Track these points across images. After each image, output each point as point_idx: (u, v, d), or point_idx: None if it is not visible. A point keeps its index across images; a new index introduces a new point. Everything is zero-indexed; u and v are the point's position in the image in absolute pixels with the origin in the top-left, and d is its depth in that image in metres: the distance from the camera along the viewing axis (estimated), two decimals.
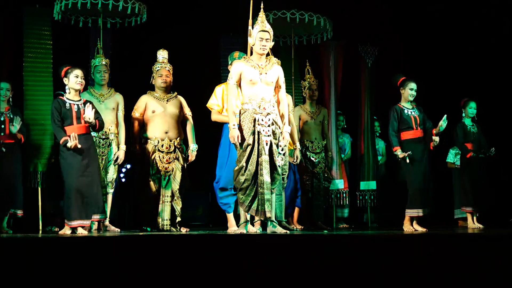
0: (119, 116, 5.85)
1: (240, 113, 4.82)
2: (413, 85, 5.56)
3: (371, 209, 7.25)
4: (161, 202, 5.52)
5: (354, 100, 7.53)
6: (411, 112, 5.53)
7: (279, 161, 4.78)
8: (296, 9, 6.53)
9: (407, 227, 5.38)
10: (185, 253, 3.52)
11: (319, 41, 7.12)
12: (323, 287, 3.22)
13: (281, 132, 4.84)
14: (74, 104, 5.14)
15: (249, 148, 4.72)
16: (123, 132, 5.81)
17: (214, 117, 5.53)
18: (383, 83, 6.35)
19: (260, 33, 4.80)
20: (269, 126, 4.75)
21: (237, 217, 5.49)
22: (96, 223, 5.60)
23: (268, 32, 4.83)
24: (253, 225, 5.00)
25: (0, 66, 6.18)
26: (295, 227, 6.21)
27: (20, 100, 6.15)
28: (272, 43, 4.88)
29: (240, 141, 4.75)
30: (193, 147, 5.71)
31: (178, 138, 5.64)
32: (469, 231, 5.38)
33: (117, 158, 5.74)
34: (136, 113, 5.67)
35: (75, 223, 5.00)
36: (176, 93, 5.79)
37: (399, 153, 5.44)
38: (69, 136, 4.99)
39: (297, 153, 5.79)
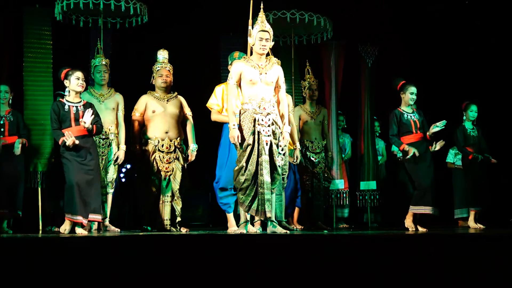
0: (119, 116, 5.85)
1: (240, 113, 4.82)
2: (413, 89, 5.54)
3: (371, 209, 7.25)
4: (161, 202, 5.52)
5: (354, 100, 7.53)
6: (411, 116, 5.53)
7: (279, 161, 4.78)
8: (296, 9, 6.53)
9: (409, 223, 5.38)
10: (185, 253, 3.51)
11: (319, 41, 7.12)
12: (323, 287, 3.22)
13: (281, 132, 4.84)
14: (73, 107, 5.15)
15: (249, 148, 4.72)
16: (123, 132, 5.81)
17: (214, 117, 5.53)
18: (383, 83, 6.35)
19: (260, 33, 4.80)
20: (269, 126, 4.75)
21: (237, 217, 5.49)
22: (96, 223, 5.60)
23: (268, 32, 4.83)
24: (253, 225, 5.00)
25: (0, 66, 6.18)
26: (295, 227, 6.21)
27: (20, 100, 6.15)
28: (272, 43, 4.88)
29: (240, 141, 4.75)
30: (193, 147, 5.70)
31: (178, 138, 5.63)
32: (471, 231, 5.39)
33: (117, 158, 5.73)
34: (136, 113, 5.67)
35: (79, 218, 5.01)
36: (176, 93, 5.79)
37: (407, 148, 5.41)
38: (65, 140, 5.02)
39: (297, 153, 5.79)
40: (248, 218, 5.09)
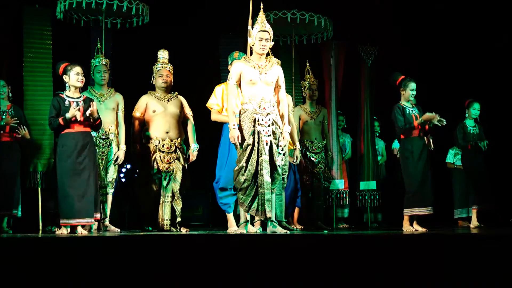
0: (119, 116, 5.85)
1: (240, 113, 4.82)
2: (413, 85, 5.54)
3: (371, 209, 7.25)
4: (161, 202, 5.52)
5: (354, 100, 7.53)
6: (411, 110, 5.52)
7: (279, 161, 4.78)
8: (296, 9, 6.53)
9: (407, 227, 5.37)
10: (185, 253, 3.51)
11: (319, 41, 7.12)
12: (323, 287, 3.22)
13: (281, 132, 4.83)
14: (74, 102, 5.12)
15: (249, 148, 4.72)
16: (123, 132, 5.81)
17: (214, 117, 5.53)
18: (383, 83, 6.35)
19: (260, 33, 4.80)
20: (269, 126, 4.75)
21: (237, 217, 5.49)
22: (96, 223, 5.61)
23: (268, 32, 4.83)
24: (253, 225, 5.00)
25: (0, 66, 6.18)
26: (295, 227, 6.21)
27: (20, 100, 6.16)
28: (272, 43, 4.88)
29: (240, 141, 4.75)
30: (194, 147, 5.70)
31: (179, 138, 5.63)
32: (472, 230, 5.39)
33: (117, 158, 5.74)
34: (137, 113, 5.67)
35: (73, 221, 4.98)
36: (176, 93, 5.79)
37: (427, 116, 5.31)
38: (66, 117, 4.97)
39: (297, 153, 5.79)
40: (248, 218, 5.09)
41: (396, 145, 7.57)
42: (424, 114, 5.38)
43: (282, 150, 4.82)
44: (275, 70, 4.88)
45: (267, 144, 4.72)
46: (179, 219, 5.57)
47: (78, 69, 5.16)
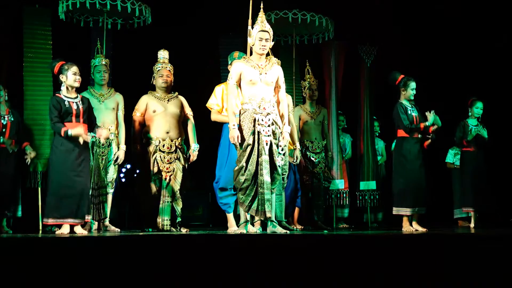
0: (119, 116, 5.85)
1: (240, 113, 4.82)
2: (414, 85, 5.54)
3: (371, 209, 7.25)
4: (161, 202, 5.51)
5: (354, 100, 7.53)
6: (412, 111, 5.52)
7: (279, 161, 4.78)
8: (298, 9, 6.53)
9: (407, 227, 5.37)
10: (185, 253, 3.51)
11: (320, 41, 7.12)
12: (323, 287, 3.22)
13: (281, 132, 4.83)
14: (73, 103, 5.10)
15: (249, 148, 4.72)
16: (123, 132, 5.81)
17: (214, 117, 5.53)
18: (383, 83, 6.36)
19: (260, 33, 4.80)
20: (269, 126, 4.75)
21: (237, 217, 5.49)
22: (96, 223, 5.61)
23: (268, 32, 4.82)
24: (253, 225, 5.00)
25: (0, 66, 6.19)
26: (295, 227, 6.21)
27: (20, 100, 6.15)
28: (272, 43, 4.87)
29: (240, 141, 4.75)
30: (194, 147, 5.70)
31: (179, 138, 5.63)
32: (472, 231, 5.39)
33: (117, 158, 5.74)
34: (137, 113, 5.67)
35: (60, 221, 4.96)
36: (177, 93, 5.79)
37: (427, 123, 5.36)
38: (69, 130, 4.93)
39: (297, 153, 5.79)
40: (248, 218, 5.08)
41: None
42: (432, 117, 5.38)
43: (282, 150, 4.82)
44: (275, 70, 4.88)
45: (267, 144, 4.72)
46: (179, 219, 5.57)
47: (75, 68, 5.12)
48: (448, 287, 3.14)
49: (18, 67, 6.23)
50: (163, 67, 5.70)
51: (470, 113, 6.34)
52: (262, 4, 4.93)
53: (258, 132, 4.73)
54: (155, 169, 5.51)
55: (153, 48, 5.86)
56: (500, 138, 7.00)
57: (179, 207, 5.56)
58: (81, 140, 4.97)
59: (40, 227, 5.92)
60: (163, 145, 5.54)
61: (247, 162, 4.71)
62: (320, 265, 3.31)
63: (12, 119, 5.77)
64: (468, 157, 6.30)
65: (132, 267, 3.33)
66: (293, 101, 6.22)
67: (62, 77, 5.13)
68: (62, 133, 4.94)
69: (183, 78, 6.18)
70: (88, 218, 5.19)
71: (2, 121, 5.70)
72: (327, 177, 6.59)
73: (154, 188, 5.54)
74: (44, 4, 6.35)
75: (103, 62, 5.88)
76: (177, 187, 5.54)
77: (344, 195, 7.06)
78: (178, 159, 5.57)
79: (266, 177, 4.68)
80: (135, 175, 7.66)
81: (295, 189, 6.28)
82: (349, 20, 7.27)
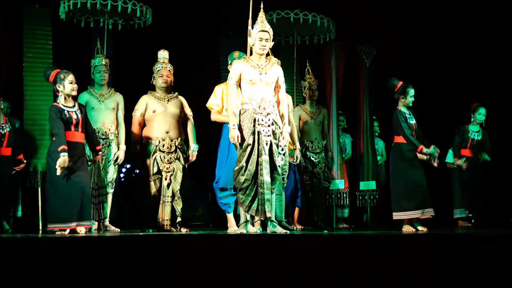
0: (119, 116, 5.85)
1: (240, 113, 4.81)
2: (413, 92, 5.46)
3: (371, 209, 7.25)
4: (161, 202, 5.51)
5: (354, 100, 7.53)
6: (410, 119, 5.49)
7: (279, 161, 4.78)
8: (300, 9, 6.53)
9: (407, 228, 5.36)
10: (185, 253, 3.51)
11: (321, 42, 7.12)
12: (323, 287, 3.22)
13: (281, 132, 4.83)
14: (73, 112, 5.07)
15: (249, 148, 4.72)
16: (123, 132, 5.81)
17: (214, 117, 5.53)
18: (382, 83, 6.36)
19: (260, 33, 4.80)
20: (269, 126, 4.75)
21: (237, 217, 5.49)
22: (96, 223, 5.61)
23: (268, 32, 4.82)
24: (253, 225, 5.00)
25: (0, 66, 6.19)
26: (295, 227, 6.22)
27: (20, 100, 6.16)
28: (272, 43, 4.87)
29: (240, 141, 4.75)
30: (194, 147, 5.70)
31: (179, 138, 5.63)
32: (471, 230, 5.39)
33: (117, 158, 5.74)
34: (137, 113, 5.66)
35: (66, 225, 4.91)
36: (177, 93, 5.78)
37: (425, 150, 5.27)
38: (65, 151, 4.83)
39: (297, 153, 5.79)
40: (248, 218, 5.08)
41: None
42: (432, 150, 5.30)
43: (282, 150, 4.82)
44: (275, 70, 4.88)
45: (267, 144, 4.72)
46: (179, 219, 5.56)
47: (71, 77, 5.06)
48: (448, 287, 3.14)
49: (18, 67, 6.23)
50: (163, 67, 5.70)
51: (472, 119, 6.32)
52: (262, 4, 4.93)
53: (258, 132, 4.73)
54: (155, 169, 5.51)
55: (153, 48, 5.86)
56: (500, 138, 7.00)
57: (179, 207, 5.56)
58: (58, 169, 4.81)
59: (40, 227, 5.93)
60: (163, 145, 5.54)
61: (247, 162, 4.71)
62: (320, 265, 3.31)
63: (10, 128, 5.76)
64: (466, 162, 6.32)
65: (132, 267, 3.33)
66: (293, 101, 6.21)
67: (59, 87, 5.06)
68: (59, 149, 4.83)
69: (183, 78, 6.18)
70: (89, 224, 5.18)
71: (0, 130, 5.70)
72: (327, 177, 6.59)
73: (154, 188, 5.53)
74: (44, 4, 6.35)
75: (103, 62, 5.88)
76: (177, 187, 5.53)
77: (344, 195, 7.06)
78: (178, 159, 5.57)
79: (266, 177, 4.68)
80: (133, 175, 7.66)
81: (295, 189, 6.29)
82: (348, 20, 7.27)
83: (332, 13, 6.82)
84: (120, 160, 5.77)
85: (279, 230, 4.71)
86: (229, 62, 5.47)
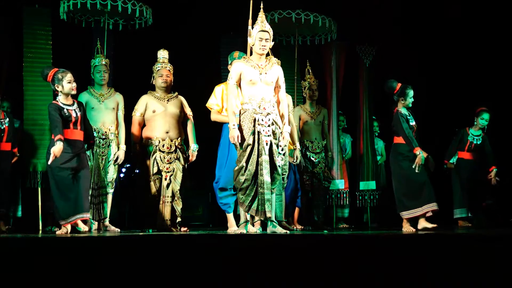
0: (119, 116, 5.85)
1: (240, 113, 4.81)
2: (412, 93, 5.44)
3: (371, 209, 7.25)
4: (161, 202, 5.51)
5: (354, 100, 7.53)
6: (410, 120, 5.47)
7: (279, 161, 4.78)
8: (301, 9, 6.52)
9: (407, 228, 5.36)
10: (185, 253, 3.51)
11: (323, 42, 7.11)
12: (323, 287, 3.22)
13: (281, 132, 4.83)
14: (72, 110, 5.08)
15: (249, 148, 4.72)
16: (123, 132, 5.82)
17: (214, 117, 5.53)
18: (382, 83, 6.36)
19: (260, 33, 4.80)
20: (269, 126, 4.75)
21: (237, 217, 5.49)
22: (96, 223, 5.61)
23: (268, 32, 4.82)
24: (253, 225, 5.00)
25: (0, 66, 6.19)
26: (295, 227, 6.21)
27: (20, 100, 6.16)
28: (272, 43, 4.87)
29: (240, 141, 4.75)
30: (194, 147, 5.70)
31: (179, 138, 5.63)
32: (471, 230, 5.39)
33: (117, 158, 5.74)
34: (137, 113, 5.66)
35: (72, 219, 4.97)
36: (176, 93, 5.78)
37: (418, 153, 5.23)
38: (61, 140, 4.84)
39: (297, 153, 5.79)
40: (248, 218, 5.08)
41: None
42: (423, 158, 5.27)
43: (282, 150, 4.82)
44: (275, 70, 4.88)
45: (267, 144, 4.72)
46: (179, 219, 5.56)
47: (69, 76, 5.06)
48: (448, 287, 3.14)
49: (18, 67, 6.23)
50: (163, 67, 5.70)
51: (475, 122, 6.31)
52: (262, 4, 4.93)
53: (258, 132, 4.73)
54: (155, 169, 5.51)
55: (153, 48, 5.86)
56: (500, 138, 7.00)
57: (179, 207, 5.55)
58: (51, 156, 4.81)
59: (40, 227, 5.93)
60: (163, 145, 5.54)
61: (247, 162, 4.71)
62: (320, 265, 3.31)
63: (8, 124, 5.76)
64: (463, 164, 6.33)
65: (132, 267, 3.33)
66: (293, 101, 6.21)
67: (58, 87, 5.06)
68: (56, 139, 4.84)
69: (183, 78, 6.18)
70: (88, 216, 5.19)
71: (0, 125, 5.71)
72: (327, 177, 6.59)
73: (154, 188, 5.53)
74: (44, 4, 6.35)
75: (103, 62, 5.88)
76: (177, 187, 5.53)
77: (344, 195, 7.07)
78: (178, 159, 5.57)
79: (266, 177, 4.68)
80: (133, 175, 7.66)
81: (295, 189, 6.28)
82: (348, 20, 7.27)
83: (332, 13, 6.81)
84: (120, 160, 5.77)
85: (279, 230, 4.71)
86: (229, 62, 5.47)
